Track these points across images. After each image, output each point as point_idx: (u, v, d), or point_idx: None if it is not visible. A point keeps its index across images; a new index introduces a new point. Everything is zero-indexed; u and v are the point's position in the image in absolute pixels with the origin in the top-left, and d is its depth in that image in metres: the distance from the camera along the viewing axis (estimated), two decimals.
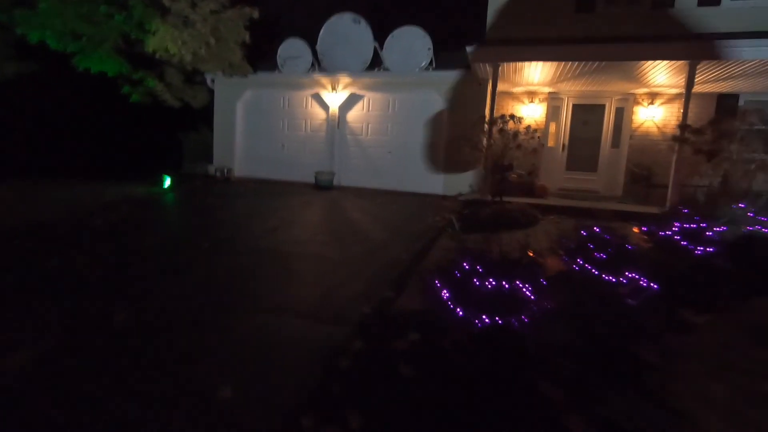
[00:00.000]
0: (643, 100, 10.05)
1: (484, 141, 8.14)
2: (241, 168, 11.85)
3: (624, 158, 10.37)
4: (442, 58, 10.16)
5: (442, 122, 10.10)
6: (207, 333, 3.19)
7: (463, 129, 9.59)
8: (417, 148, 10.38)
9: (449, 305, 3.25)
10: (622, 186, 10.37)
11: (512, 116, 7.71)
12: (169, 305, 3.62)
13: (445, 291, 3.39)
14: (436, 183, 10.26)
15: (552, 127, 10.74)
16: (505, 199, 8.27)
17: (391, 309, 3.69)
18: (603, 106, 10.41)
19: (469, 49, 8.05)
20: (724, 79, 7.93)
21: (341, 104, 10.65)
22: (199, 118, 12.25)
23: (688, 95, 7.45)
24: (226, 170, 11.51)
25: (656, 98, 9.95)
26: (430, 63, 10.06)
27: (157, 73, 9.85)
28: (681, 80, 8.78)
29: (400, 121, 10.41)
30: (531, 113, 10.64)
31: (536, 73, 8.99)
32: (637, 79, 8.78)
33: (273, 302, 3.78)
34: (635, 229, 6.15)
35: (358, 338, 3.11)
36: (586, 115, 10.55)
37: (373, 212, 8.16)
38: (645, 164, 10.29)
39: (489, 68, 8.44)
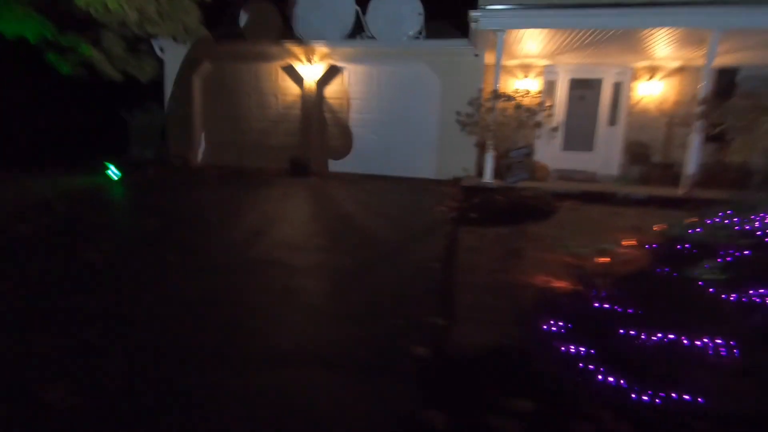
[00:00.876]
0: (642, 74, 9.51)
1: (489, 118, 7.23)
2: (202, 153, 10.31)
3: (621, 136, 9.88)
4: (434, 26, 9.07)
5: (434, 98, 9.08)
6: (195, 410, 2.10)
7: (459, 106, 8.67)
8: (406, 128, 9.33)
9: (540, 339, 2.34)
10: (620, 166, 9.91)
11: (527, 91, 6.82)
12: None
13: (514, 316, 2.48)
14: (428, 166, 9.30)
15: (547, 103, 10.01)
16: (495, 181, 7.48)
17: (455, 347, 2.74)
18: (600, 81, 9.79)
19: (474, 14, 7.03)
20: (744, 50, 7.39)
21: (319, 78, 9.35)
22: (147, 95, 10.47)
23: (708, 66, 6.87)
24: (184, 156, 9.94)
25: (656, 72, 9.44)
26: (420, 32, 8.93)
27: (92, 38, 8.05)
28: (686, 53, 8.26)
29: (387, 98, 9.29)
30: (526, 88, 9.83)
31: (538, 43, 8.14)
32: (644, 50, 8.15)
33: (285, 346, 2.72)
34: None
35: (428, 405, 2.14)
36: (583, 90, 9.90)
37: (366, 202, 7.11)
38: (644, 142, 9.86)
39: (493, 36, 7.48)
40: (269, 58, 9.56)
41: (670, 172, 9.29)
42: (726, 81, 9.15)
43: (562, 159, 9.90)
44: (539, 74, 9.84)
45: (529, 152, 6.77)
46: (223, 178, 8.83)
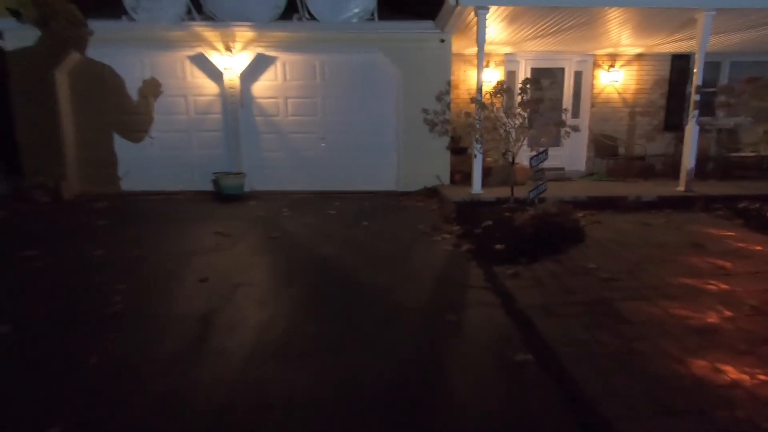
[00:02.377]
0: (603, 62, 8.93)
1: (482, 116, 5.85)
2: (79, 178, 7.45)
3: (586, 128, 9.26)
4: (387, 7, 7.42)
5: (393, 94, 7.47)
6: None
7: (425, 102, 7.19)
8: (361, 131, 7.60)
9: None
10: (587, 160, 9.30)
11: (536, 81, 5.54)
12: None
13: None
14: (390, 176, 7.70)
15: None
16: (484, 191, 6.25)
17: None
18: (562, 70, 9.03)
19: None
20: (735, 31, 6.94)
21: (243, 71, 7.17)
22: None
23: (703, 51, 6.25)
24: (51, 184, 7.03)
25: (617, 60, 8.92)
26: (372, 15, 7.21)
27: None
28: (650, 40, 7.74)
29: (335, 94, 7.45)
30: (487, 79, 8.71)
31: (513, 28, 6.97)
32: (616, 35, 7.42)
33: None
34: None
35: None
36: (545, 80, 9.05)
37: (330, 233, 5.29)
38: (609, 134, 9.36)
39: (472, 16, 6.10)
40: (171, 46, 7.10)
41: (640, 165, 8.90)
42: (680, 68, 8.97)
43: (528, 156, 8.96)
44: (500, 63, 8.77)
45: (546, 158, 5.51)
46: (119, 213, 6.28)
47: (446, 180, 7.59)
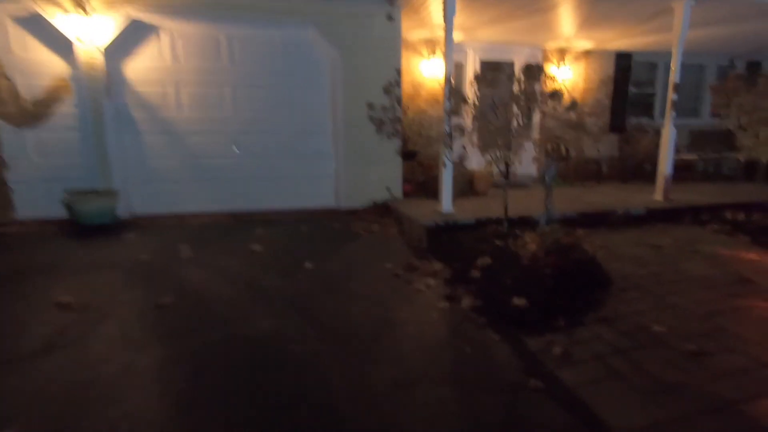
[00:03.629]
0: (553, 57, 8.20)
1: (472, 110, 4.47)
2: None
3: (535, 131, 8.45)
4: None
5: (330, 83, 5.77)
6: None
7: (371, 95, 5.65)
8: (288, 132, 5.77)
9: None
10: (539, 164, 8.51)
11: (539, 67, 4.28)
12: None
13: None
14: (327, 189, 6.00)
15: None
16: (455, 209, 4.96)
17: None
18: (511, 65, 8.10)
19: None
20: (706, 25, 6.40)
21: (110, 44, 4.89)
22: None
23: (681, 44, 5.58)
24: None
25: (566, 55, 8.24)
26: None
27: None
28: (610, 33, 7.11)
29: (251, 82, 5.51)
30: (432, 72, 7.43)
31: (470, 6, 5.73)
32: (574, 22, 6.61)
33: None
34: None
35: None
36: (495, 74, 8.04)
37: (259, 287, 3.48)
38: (559, 135, 8.66)
39: None
40: None
41: (593, 169, 8.36)
42: (623, 67, 8.61)
43: (475, 160, 7.90)
44: None
45: (556, 170, 4.30)
46: None
47: (398, 192, 6.12)
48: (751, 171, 8.25)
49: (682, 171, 8.30)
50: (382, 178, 6.02)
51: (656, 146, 8.72)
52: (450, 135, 4.84)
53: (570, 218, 4.97)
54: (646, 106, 9.02)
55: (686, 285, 3.51)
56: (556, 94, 4.22)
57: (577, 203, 5.54)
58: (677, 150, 8.39)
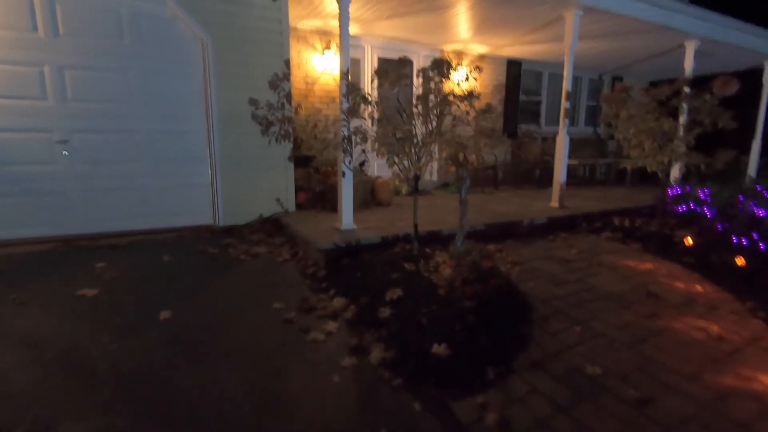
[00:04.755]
0: (450, 59, 7.98)
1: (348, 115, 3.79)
2: None
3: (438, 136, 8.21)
4: None
5: (200, 72, 4.65)
6: None
7: (253, 89, 4.73)
8: (145, 131, 4.51)
9: None
10: (437, 169, 8.31)
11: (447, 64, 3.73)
12: None
13: None
14: (202, 203, 4.88)
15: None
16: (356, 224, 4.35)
17: None
18: (411, 64, 7.72)
19: None
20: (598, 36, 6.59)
21: None
22: None
23: (572, 53, 5.64)
24: None
25: (462, 59, 8.14)
26: None
27: None
28: (502, 39, 7.12)
29: (84, 63, 4.14)
30: (328, 68, 6.68)
31: None
32: (469, 24, 6.44)
33: None
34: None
35: None
36: (399, 70, 7.57)
37: (84, 362, 2.41)
38: (459, 141, 8.53)
39: None
40: None
41: (491, 175, 8.38)
42: (514, 74, 8.82)
43: (376, 166, 7.40)
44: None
45: (470, 184, 3.81)
46: None
47: (290, 204, 5.25)
48: (621, 176, 9.09)
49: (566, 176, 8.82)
50: (271, 187, 5.10)
51: (544, 152, 9.22)
52: (349, 139, 4.14)
53: (479, 231, 4.63)
54: (534, 113, 9.43)
55: (603, 305, 3.30)
56: (471, 96, 3.78)
57: (484, 213, 5.28)
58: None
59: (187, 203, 4.77)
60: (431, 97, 3.55)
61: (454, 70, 3.59)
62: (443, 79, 3.59)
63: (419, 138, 3.58)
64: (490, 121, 7.84)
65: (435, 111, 3.55)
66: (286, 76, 4.99)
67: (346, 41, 4.18)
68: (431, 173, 8.21)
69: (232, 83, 4.70)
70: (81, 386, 2.15)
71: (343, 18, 4.15)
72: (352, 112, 3.55)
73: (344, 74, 4.10)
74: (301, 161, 5.69)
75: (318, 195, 5.52)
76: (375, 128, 3.71)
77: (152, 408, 2.03)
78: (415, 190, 3.87)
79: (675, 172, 6.31)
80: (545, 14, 5.72)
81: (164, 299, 3.11)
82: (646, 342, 2.78)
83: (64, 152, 4.12)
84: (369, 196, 5.85)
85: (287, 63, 5.00)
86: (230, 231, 4.77)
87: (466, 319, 2.79)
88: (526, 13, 5.68)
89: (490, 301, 2.99)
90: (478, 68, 4.03)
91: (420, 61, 7.73)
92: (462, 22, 6.27)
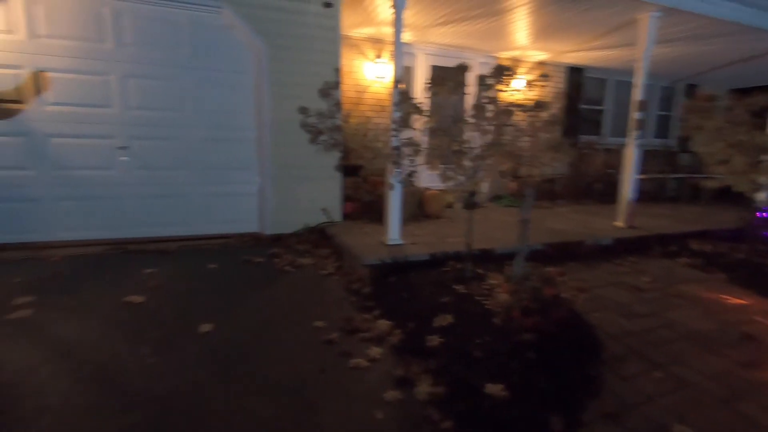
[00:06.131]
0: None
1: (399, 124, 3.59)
2: None
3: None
4: None
5: (254, 80, 4.67)
6: None
7: (305, 98, 4.65)
8: (198, 138, 4.58)
9: None
10: (489, 181, 7.93)
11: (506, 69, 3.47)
12: None
13: None
14: (248, 211, 4.87)
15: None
16: (405, 239, 4.09)
17: None
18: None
19: None
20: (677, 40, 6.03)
21: None
22: None
23: (647, 59, 5.13)
24: None
25: (520, 66, 7.75)
26: None
27: None
28: (568, 44, 6.67)
29: (145, 72, 4.26)
30: (379, 75, 6.56)
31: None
32: (531, 29, 6.07)
33: None
34: None
35: None
36: (451, 81, 7.33)
37: (118, 376, 2.34)
38: (511, 152, 8.13)
39: None
40: None
41: (548, 188, 7.89)
42: (576, 82, 8.29)
43: (426, 178, 7.13)
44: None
45: (533, 200, 3.52)
46: None
47: (337, 214, 5.13)
48: (695, 193, 8.25)
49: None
50: (318, 197, 5.01)
51: (606, 165, 8.57)
52: (399, 150, 3.95)
53: (537, 251, 4.25)
54: (595, 123, 8.80)
55: (686, 346, 2.85)
56: (540, 105, 3.47)
57: (541, 231, 4.87)
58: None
59: (235, 211, 4.78)
60: (490, 106, 3.26)
61: (516, 77, 3.28)
62: (503, 88, 3.30)
63: (477, 151, 3.30)
64: (553, 132, 7.38)
65: (495, 121, 3.25)
66: (337, 84, 4.89)
67: (399, 48, 4.00)
68: (483, 185, 7.85)
69: (283, 91, 4.67)
70: (113, 406, 2.07)
71: (397, 24, 3.98)
72: (404, 122, 3.34)
73: (396, 82, 3.91)
74: (349, 170, 5.58)
75: (366, 205, 5.36)
76: (428, 139, 3.48)
77: None
78: (472, 206, 3.60)
79: (762, 191, 5.57)
80: (615, 17, 5.27)
81: (206, 311, 3.04)
82: (745, 398, 2.33)
83: (123, 158, 4.24)
84: (417, 208, 5.62)
85: (337, 71, 4.92)
86: (277, 240, 4.71)
87: (525, 355, 2.47)
88: (594, 16, 5.26)
89: (552, 335, 2.65)
90: (545, 76, 3.69)
91: (475, 68, 7.43)
92: (522, 27, 5.93)
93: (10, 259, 3.76)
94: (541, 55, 7.50)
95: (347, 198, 5.35)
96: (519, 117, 3.57)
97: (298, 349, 2.67)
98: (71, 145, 4.10)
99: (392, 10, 4.01)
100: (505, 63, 7.63)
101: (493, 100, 3.30)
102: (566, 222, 5.53)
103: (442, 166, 3.27)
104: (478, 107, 3.36)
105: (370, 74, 6.51)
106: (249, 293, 3.42)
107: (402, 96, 3.51)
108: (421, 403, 2.21)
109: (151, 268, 3.70)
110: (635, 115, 5.23)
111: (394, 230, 4.11)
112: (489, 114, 3.30)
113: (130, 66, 4.18)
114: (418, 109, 3.34)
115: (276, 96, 4.66)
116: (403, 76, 6.90)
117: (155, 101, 4.32)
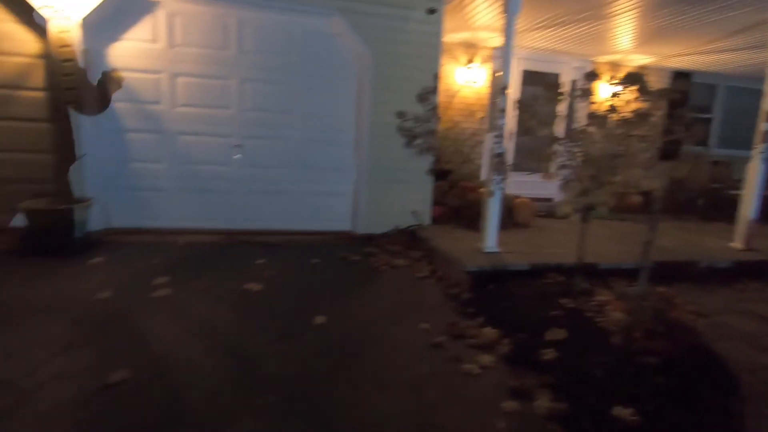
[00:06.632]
0: (603, 72, 7.27)
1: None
2: None
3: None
4: None
5: (356, 84, 4.86)
6: None
7: (403, 102, 4.74)
8: (301, 139, 4.86)
9: None
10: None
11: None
12: None
13: None
14: (342, 210, 5.08)
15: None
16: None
17: None
18: (556, 76, 7.19)
19: None
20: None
21: (89, 17, 3.97)
22: None
23: None
24: None
25: (618, 71, 7.32)
26: None
27: None
28: (683, 45, 6.18)
29: (260, 76, 4.61)
30: (470, 80, 6.52)
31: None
32: (648, 28, 5.70)
33: None
34: None
35: None
36: (538, 87, 7.13)
37: (249, 356, 2.53)
38: (601, 161, 7.72)
39: None
40: None
41: (643, 201, 7.37)
42: (680, 87, 7.66)
43: (514, 184, 6.95)
44: (487, 59, 6.64)
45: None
46: None
47: (426, 218, 5.18)
48: None
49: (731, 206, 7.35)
50: (409, 199, 5.08)
51: (712, 179, 7.82)
52: (502, 157, 3.92)
53: (622, 270, 3.97)
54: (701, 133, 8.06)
55: None
56: (644, 115, 3.29)
57: (639, 247, 4.56)
58: (735, 186, 7.45)
59: (330, 209, 5.00)
60: (613, 115, 3.13)
61: (648, 84, 3.12)
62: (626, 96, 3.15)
63: (601, 161, 3.18)
64: (656, 143, 6.89)
65: (619, 131, 3.11)
66: (434, 90, 4.96)
67: (508, 54, 3.95)
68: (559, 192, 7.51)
69: (382, 96, 4.80)
70: (253, 385, 2.26)
71: (508, 30, 3.94)
72: (529, 130, 3.31)
73: (503, 88, 3.87)
74: (437, 175, 5.60)
75: (454, 210, 5.36)
76: (546, 150, 3.41)
77: (317, 420, 2.03)
78: (586, 219, 3.47)
79: None
80: (746, 17, 4.79)
81: (317, 303, 3.21)
82: None
83: (237, 156, 4.61)
84: (507, 216, 5.50)
85: (436, 76, 4.97)
86: (368, 240, 4.86)
87: (652, 380, 2.34)
88: (722, 17, 4.83)
89: (679, 362, 2.48)
90: (671, 90, 3.47)
91: (569, 73, 7.14)
92: (629, 30, 5.61)
93: (144, 242, 4.24)
94: (643, 59, 7.03)
95: (434, 202, 5.38)
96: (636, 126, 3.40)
97: (407, 349, 2.74)
98: (195, 142, 4.53)
99: (503, 16, 3.97)
100: (601, 67, 7.25)
101: (614, 110, 3.16)
102: (670, 239, 5.12)
103: (563, 175, 3.18)
104: (597, 116, 3.23)
105: (461, 79, 6.49)
106: (353, 289, 3.57)
107: (520, 104, 3.46)
108: (542, 417, 2.18)
109: (261, 260, 3.99)
110: (763, 126, 4.73)
111: (491, 238, 4.06)
112: (610, 123, 3.16)
113: (248, 71, 4.54)
114: (535, 116, 3.28)
115: (376, 100, 4.80)
116: (493, 81, 6.81)
117: (267, 104, 4.65)
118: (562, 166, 3.31)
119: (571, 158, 3.26)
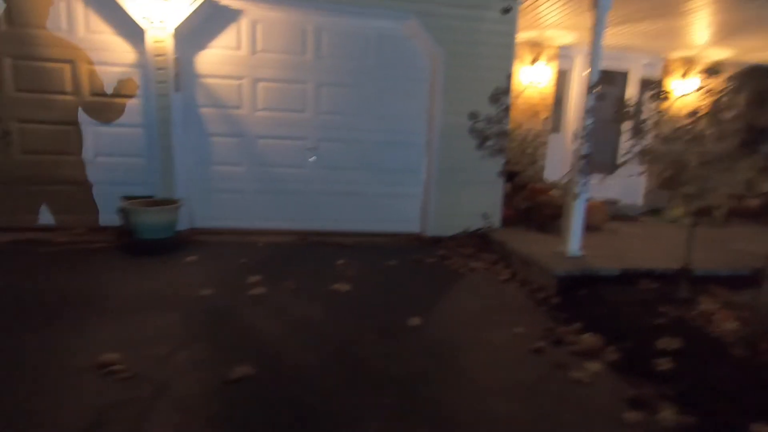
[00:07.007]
0: (676, 68, 6.94)
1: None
2: None
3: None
4: None
5: (428, 86, 4.86)
6: None
7: (475, 103, 4.69)
8: (373, 142, 4.91)
9: None
10: (644, 192, 7.28)
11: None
12: None
13: None
14: (411, 212, 5.08)
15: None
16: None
17: None
18: (626, 74, 6.93)
19: None
20: None
21: (180, 27, 4.18)
22: None
23: None
24: None
25: (692, 67, 6.96)
26: None
27: None
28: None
29: (335, 80, 4.69)
30: (534, 79, 6.38)
31: None
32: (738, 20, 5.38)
33: None
34: None
35: None
36: (604, 86, 6.88)
37: (357, 355, 2.55)
38: (671, 163, 7.37)
39: None
40: None
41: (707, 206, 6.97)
42: (762, 83, 7.18)
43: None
44: (552, 58, 6.47)
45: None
46: None
47: (497, 220, 5.10)
48: None
49: None
50: (478, 201, 5.02)
51: None
52: (587, 158, 3.80)
53: (738, 277, 3.74)
54: None
55: None
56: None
57: (728, 253, 4.31)
58: None
59: (400, 211, 5.01)
60: (725, 114, 2.97)
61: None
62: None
63: (716, 162, 3.02)
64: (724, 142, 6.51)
65: (729, 129, 2.95)
66: (507, 90, 4.89)
67: (597, 52, 3.85)
68: (635, 195, 7.22)
69: (454, 97, 4.77)
70: (365, 384, 2.28)
71: (598, 27, 3.83)
72: (640, 132, 3.21)
73: (592, 87, 3.76)
74: (509, 177, 5.51)
75: (523, 213, 5.25)
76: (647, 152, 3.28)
77: (436, 422, 2.02)
78: (694, 225, 3.31)
79: None
80: None
81: (405, 305, 3.22)
82: None
83: (312, 158, 4.71)
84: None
85: (509, 77, 4.89)
86: (438, 242, 4.83)
87: None
88: None
89: None
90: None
91: (638, 70, 6.86)
92: (711, 23, 5.30)
93: (227, 242, 4.40)
94: (720, 54, 6.63)
95: (503, 204, 5.29)
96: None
97: (507, 353, 2.70)
98: (272, 145, 4.67)
99: (592, 12, 3.86)
100: (675, 64, 6.92)
101: (727, 106, 2.99)
102: (754, 244, 4.79)
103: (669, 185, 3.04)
104: (705, 115, 3.07)
105: (525, 79, 6.36)
106: (436, 292, 3.55)
107: (620, 106, 3.35)
108: (669, 430, 2.08)
109: (341, 260, 4.05)
110: None
111: (574, 241, 3.94)
112: (721, 122, 3.00)
113: (324, 75, 4.63)
114: (637, 120, 3.17)
115: (448, 102, 4.78)
116: (558, 80, 6.64)
117: (341, 107, 4.72)
118: (664, 168, 3.16)
119: (677, 158, 3.10)
